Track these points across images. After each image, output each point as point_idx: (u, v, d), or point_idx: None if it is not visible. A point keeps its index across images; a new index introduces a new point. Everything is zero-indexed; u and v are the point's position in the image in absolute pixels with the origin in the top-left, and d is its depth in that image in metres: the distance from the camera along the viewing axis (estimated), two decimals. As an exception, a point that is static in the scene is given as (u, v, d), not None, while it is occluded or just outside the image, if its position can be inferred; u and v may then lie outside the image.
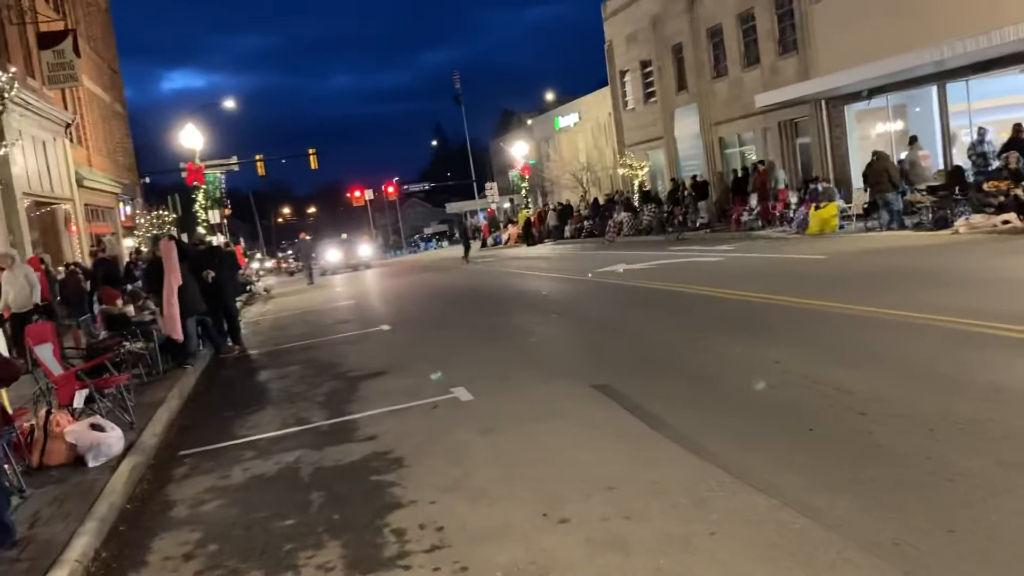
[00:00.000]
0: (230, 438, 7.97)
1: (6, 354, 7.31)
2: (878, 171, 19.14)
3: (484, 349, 10.83)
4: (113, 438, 7.29)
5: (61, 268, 21.70)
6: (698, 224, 29.37)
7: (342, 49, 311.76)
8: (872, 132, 25.30)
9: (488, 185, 62.47)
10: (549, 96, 66.80)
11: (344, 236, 54.40)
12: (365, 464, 6.40)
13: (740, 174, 29.56)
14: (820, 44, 25.70)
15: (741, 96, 30.45)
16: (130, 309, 11.43)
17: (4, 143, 12.36)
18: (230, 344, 14.28)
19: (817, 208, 21.52)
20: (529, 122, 63.89)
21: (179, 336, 11.35)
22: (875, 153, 19.77)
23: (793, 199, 24.18)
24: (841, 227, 21.04)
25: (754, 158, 30.39)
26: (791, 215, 23.83)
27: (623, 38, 39.09)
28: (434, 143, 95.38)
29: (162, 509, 6.11)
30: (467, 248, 36.65)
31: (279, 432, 7.88)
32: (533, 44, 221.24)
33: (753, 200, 25.62)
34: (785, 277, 13.57)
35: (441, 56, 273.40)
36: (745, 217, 25.60)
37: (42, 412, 7.33)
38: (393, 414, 7.87)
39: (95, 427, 7.31)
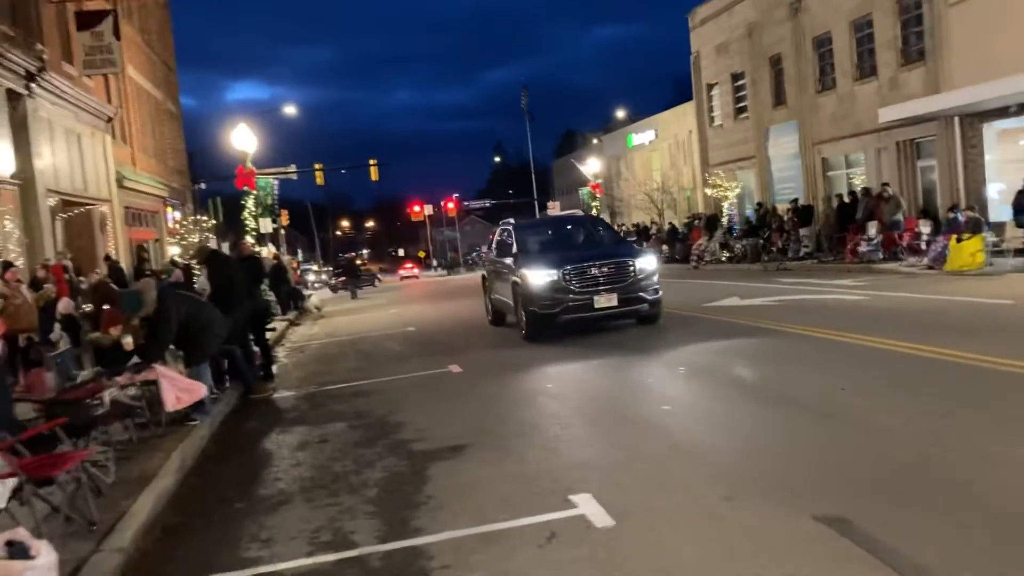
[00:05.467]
0: (231, 563, 5.10)
1: None
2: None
3: (600, 421, 7.82)
4: (37, 570, 4.49)
5: (93, 274, 19.37)
6: (801, 253, 26.04)
7: (405, 65, 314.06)
8: (1014, 155, 21.84)
9: (551, 204, 59.82)
10: (620, 114, 64.00)
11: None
12: None
13: (847, 199, 26.21)
14: (955, 53, 22.32)
15: (851, 113, 27.15)
16: (128, 340, 8.68)
17: None
18: (265, 383, 11.54)
19: (959, 241, 18.16)
20: (595, 140, 61.15)
21: (199, 397, 8.65)
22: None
23: (925, 229, 20.80)
24: (990, 264, 17.64)
25: (859, 181, 27.00)
26: (922, 247, 20.48)
27: (712, 48, 36.01)
28: (496, 159, 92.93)
29: None
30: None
31: (306, 562, 4.99)
32: (598, 64, 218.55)
33: (872, 229, 22.24)
34: (995, 331, 10.23)
35: (503, 75, 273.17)
36: (863, 247, 22.22)
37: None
38: (485, 541, 4.92)
39: (12, 548, 4.52)
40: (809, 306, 14.12)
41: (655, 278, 13.18)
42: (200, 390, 8.79)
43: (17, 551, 4.55)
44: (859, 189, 25.74)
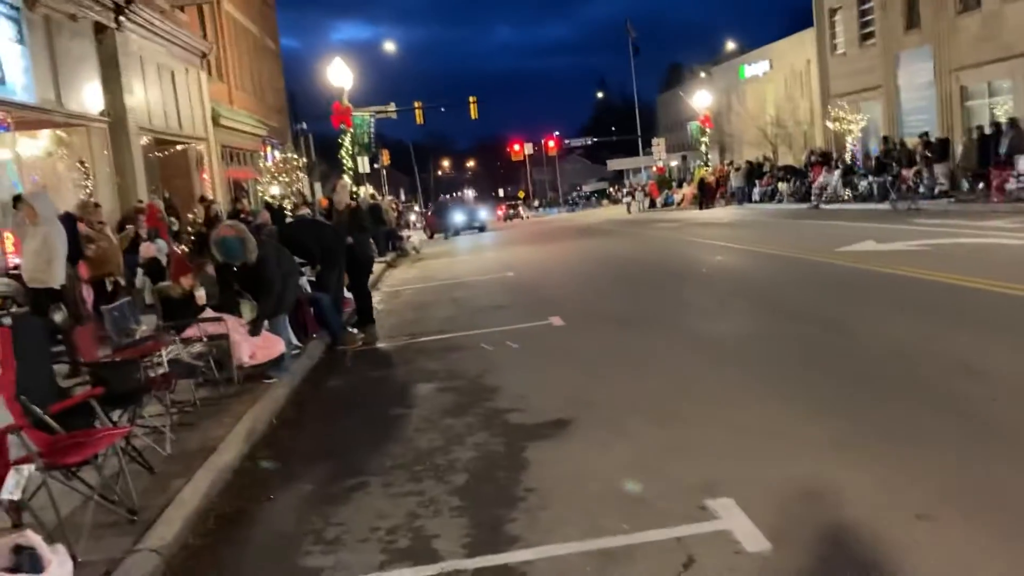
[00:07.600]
0: (286, 573, 4.20)
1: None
2: None
3: (732, 391, 6.50)
4: (47, 584, 3.65)
5: (191, 215, 19.08)
6: (936, 192, 23.71)
7: (505, 1, 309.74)
8: None
9: (655, 141, 57.47)
10: (730, 45, 60.63)
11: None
12: None
13: (989, 131, 23.60)
14: None
15: (998, 34, 24.36)
16: (201, 293, 7.88)
17: None
18: (353, 332, 10.72)
19: None
20: (703, 74, 57.94)
21: (278, 352, 7.91)
22: None
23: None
24: None
25: (1002, 111, 24.22)
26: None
27: (836, -31, 33.13)
28: (600, 94, 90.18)
29: None
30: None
31: (378, 577, 4.03)
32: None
33: (1023, 163, 19.88)
34: None
35: (605, 8, 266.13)
36: (1012, 185, 19.91)
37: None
38: (600, 564, 3.83)
39: (19, 556, 3.70)
40: (973, 252, 12.34)
41: None
42: (278, 345, 7.97)
43: (25, 560, 3.73)
44: (1004, 120, 23.11)
